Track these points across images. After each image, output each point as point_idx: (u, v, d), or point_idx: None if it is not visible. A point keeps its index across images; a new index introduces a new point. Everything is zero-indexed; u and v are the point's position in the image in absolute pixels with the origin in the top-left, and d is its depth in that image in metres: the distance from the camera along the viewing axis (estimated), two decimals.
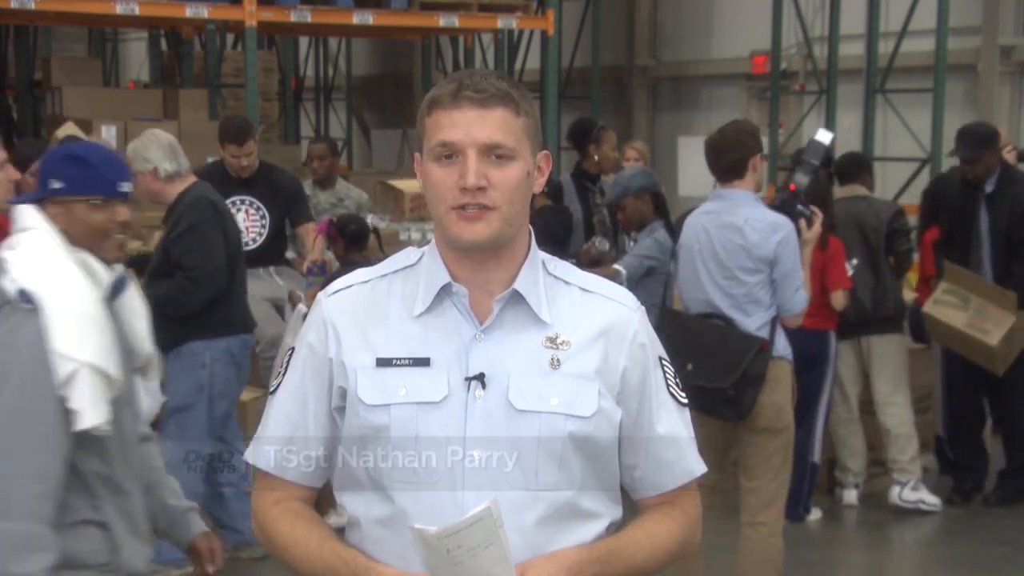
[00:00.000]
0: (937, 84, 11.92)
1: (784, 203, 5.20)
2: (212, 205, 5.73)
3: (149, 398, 5.85)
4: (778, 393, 4.97)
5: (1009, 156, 7.60)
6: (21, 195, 3.10)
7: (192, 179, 5.83)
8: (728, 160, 4.96)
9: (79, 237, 2.91)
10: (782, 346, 5.02)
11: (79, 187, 2.92)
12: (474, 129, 2.13)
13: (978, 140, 7.01)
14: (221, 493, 5.96)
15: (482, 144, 2.13)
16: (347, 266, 6.24)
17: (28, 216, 2.90)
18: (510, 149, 2.15)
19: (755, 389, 4.89)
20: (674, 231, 6.40)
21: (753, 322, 4.96)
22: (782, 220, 4.94)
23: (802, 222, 5.10)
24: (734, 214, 4.95)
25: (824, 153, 5.36)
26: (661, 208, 6.72)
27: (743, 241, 4.92)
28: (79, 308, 2.79)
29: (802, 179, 5.21)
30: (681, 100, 16.29)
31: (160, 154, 5.72)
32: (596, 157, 7.43)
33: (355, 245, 6.98)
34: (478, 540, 2.01)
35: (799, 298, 4.96)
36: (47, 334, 2.70)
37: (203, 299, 5.65)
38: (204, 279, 5.64)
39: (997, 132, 7.15)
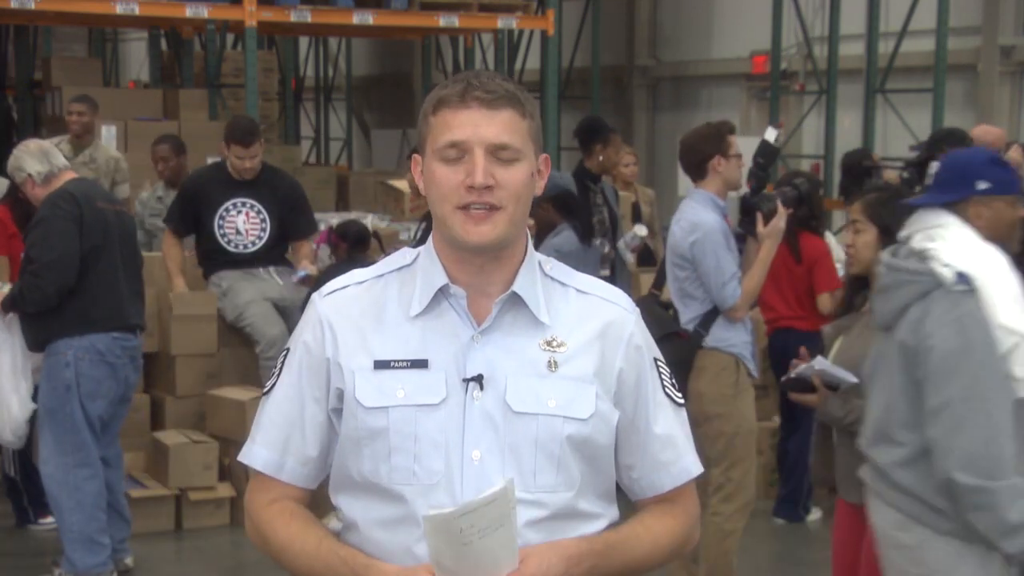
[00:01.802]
0: (937, 84, 11.92)
1: (747, 200, 5.44)
2: (71, 197, 5.62)
3: (19, 404, 5.88)
4: (702, 382, 5.19)
5: (1015, 155, 7.60)
6: (925, 197, 3.47)
7: (67, 176, 5.77)
8: (688, 162, 5.27)
9: (990, 231, 3.30)
10: (718, 338, 5.21)
11: (1004, 188, 3.37)
12: (482, 128, 2.13)
13: (926, 145, 7.07)
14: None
15: (490, 143, 2.13)
16: (345, 264, 6.24)
17: (938, 214, 3.30)
18: (516, 150, 2.15)
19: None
20: (583, 230, 6.65)
21: (689, 312, 5.24)
22: (702, 222, 5.16)
23: (759, 218, 5.23)
24: (679, 212, 5.30)
25: (771, 151, 5.52)
26: (566, 209, 6.74)
27: (672, 239, 5.26)
28: (1012, 287, 3.23)
29: (750, 176, 5.48)
30: (681, 100, 16.28)
31: (31, 160, 5.73)
32: (601, 157, 7.42)
33: (358, 247, 7.03)
34: (491, 520, 2.01)
35: (726, 294, 5.15)
36: (987, 311, 3.14)
37: (48, 292, 5.54)
38: (43, 271, 5.54)
39: (946, 136, 7.18)
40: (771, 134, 5.54)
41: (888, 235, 3.93)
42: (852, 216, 4.04)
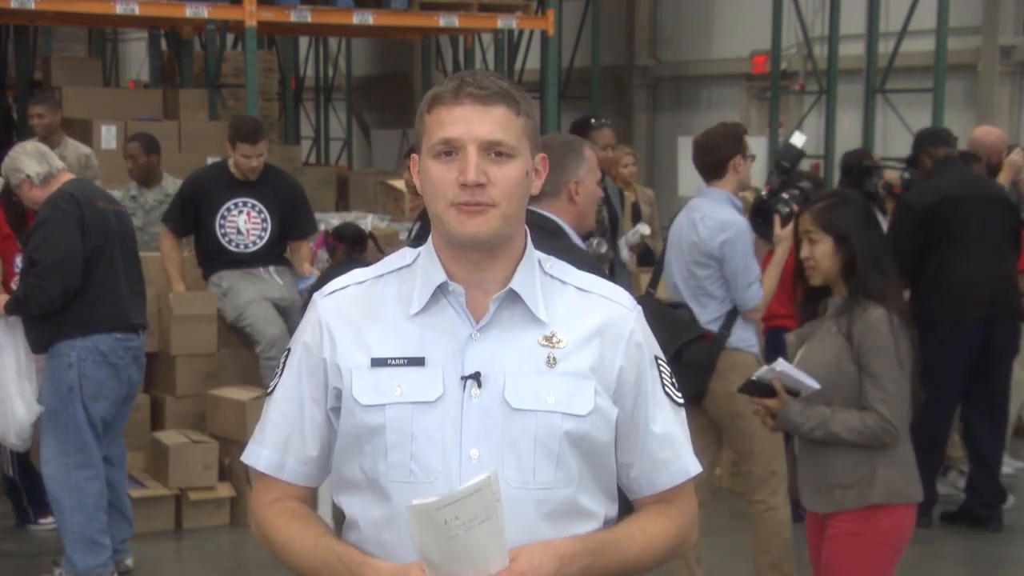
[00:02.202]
0: (937, 84, 11.92)
1: (764, 202, 5.44)
2: (71, 198, 5.62)
3: (25, 407, 5.89)
4: (733, 382, 5.15)
5: (1016, 158, 7.60)
6: None
7: (66, 177, 5.78)
8: (708, 160, 5.26)
9: None
10: (740, 339, 5.24)
11: None
12: (475, 125, 2.13)
13: (913, 146, 7.10)
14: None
15: (483, 140, 2.13)
16: (345, 264, 6.25)
17: None
18: (510, 147, 2.15)
19: (698, 377, 5.10)
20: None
21: (707, 313, 5.23)
22: (732, 221, 5.18)
23: (776, 220, 5.24)
24: (699, 211, 5.26)
25: (796, 155, 5.52)
26: None
27: (695, 237, 5.22)
28: None
29: (775, 180, 5.48)
30: (681, 100, 16.29)
31: (29, 161, 5.73)
32: None
33: (355, 248, 7.04)
34: (476, 512, 1.99)
35: (750, 294, 5.19)
36: None
37: (53, 294, 5.54)
38: (47, 272, 5.54)
39: (928, 136, 7.18)
40: (799, 139, 5.57)
41: (844, 241, 3.86)
42: (803, 227, 3.93)
